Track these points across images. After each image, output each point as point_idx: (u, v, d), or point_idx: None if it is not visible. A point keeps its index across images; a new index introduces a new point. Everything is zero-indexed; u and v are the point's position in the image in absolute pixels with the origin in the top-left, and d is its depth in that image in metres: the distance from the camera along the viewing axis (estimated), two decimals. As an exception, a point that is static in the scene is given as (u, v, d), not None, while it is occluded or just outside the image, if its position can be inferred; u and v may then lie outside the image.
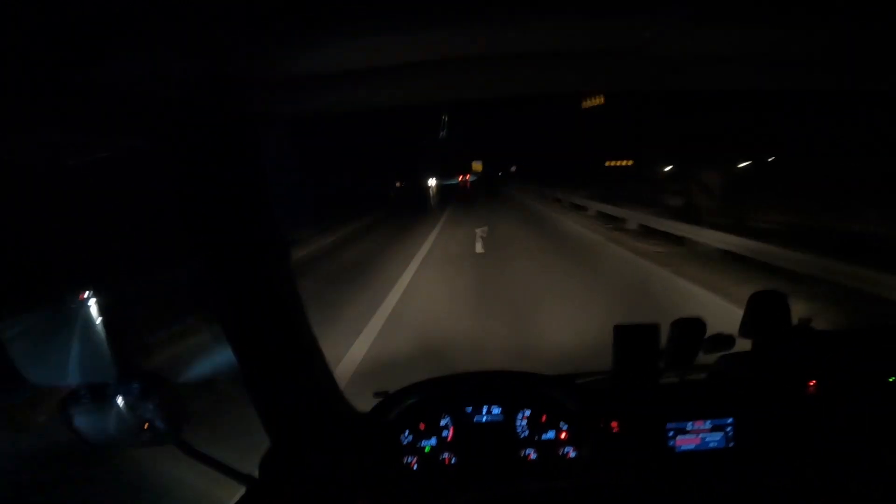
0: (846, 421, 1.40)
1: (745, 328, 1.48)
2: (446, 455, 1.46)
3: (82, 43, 0.76)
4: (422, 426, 1.47)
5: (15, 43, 0.72)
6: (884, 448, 1.38)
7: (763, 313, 1.48)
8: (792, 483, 1.31)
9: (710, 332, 1.43)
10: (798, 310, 1.47)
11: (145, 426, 1.00)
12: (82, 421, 1.00)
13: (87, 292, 0.93)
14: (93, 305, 0.93)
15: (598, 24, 0.89)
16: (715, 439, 1.42)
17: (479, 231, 13.58)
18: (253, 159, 1.28)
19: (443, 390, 1.53)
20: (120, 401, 0.98)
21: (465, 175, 72.20)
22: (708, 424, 1.42)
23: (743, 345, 1.51)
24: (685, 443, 1.42)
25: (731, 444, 1.42)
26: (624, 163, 35.94)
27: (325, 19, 0.79)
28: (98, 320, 0.93)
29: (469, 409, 1.49)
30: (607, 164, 38.15)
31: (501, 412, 1.48)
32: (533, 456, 1.45)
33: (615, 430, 1.41)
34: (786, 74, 1.27)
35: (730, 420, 1.42)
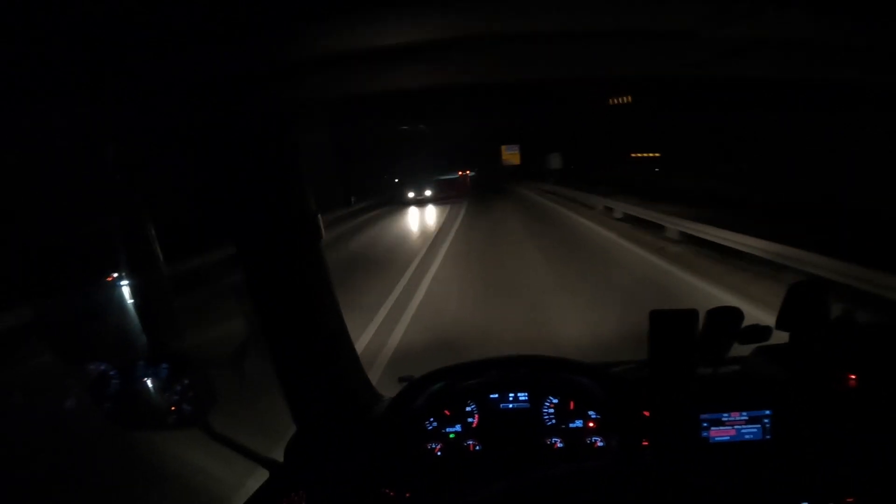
0: (887, 416, 1.34)
1: (783, 320, 1.43)
2: (471, 442, 1.45)
3: (109, 38, 0.75)
4: (447, 412, 1.46)
5: (50, 39, 0.71)
6: None
7: (801, 305, 1.42)
8: (829, 478, 1.27)
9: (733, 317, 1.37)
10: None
11: (172, 409, 1.00)
12: (111, 402, 1.00)
13: (115, 273, 0.93)
14: (125, 287, 0.92)
15: (648, 1, 0.84)
16: (751, 431, 1.38)
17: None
18: (285, 145, 1.27)
19: (468, 376, 1.51)
20: (148, 382, 0.98)
21: (464, 171, 66.82)
22: (744, 416, 1.37)
23: (779, 336, 1.45)
24: (720, 434, 1.38)
25: (768, 437, 1.37)
26: (651, 154, 35.74)
27: None
28: (130, 302, 0.93)
29: (495, 395, 1.47)
30: (633, 154, 37.87)
31: (528, 399, 1.47)
32: (559, 444, 1.43)
33: (647, 419, 1.37)
34: (850, 66, 1.19)
35: (767, 412, 1.37)
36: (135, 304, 0.92)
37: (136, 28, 0.75)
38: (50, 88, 0.83)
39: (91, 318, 0.95)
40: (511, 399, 1.47)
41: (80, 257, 0.94)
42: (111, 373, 0.98)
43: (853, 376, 1.38)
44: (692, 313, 1.37)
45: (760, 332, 1.40)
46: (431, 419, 1.46)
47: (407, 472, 1.38)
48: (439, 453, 1.44)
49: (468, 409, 1.47)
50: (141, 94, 0.96)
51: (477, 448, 1.44)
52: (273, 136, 1.26)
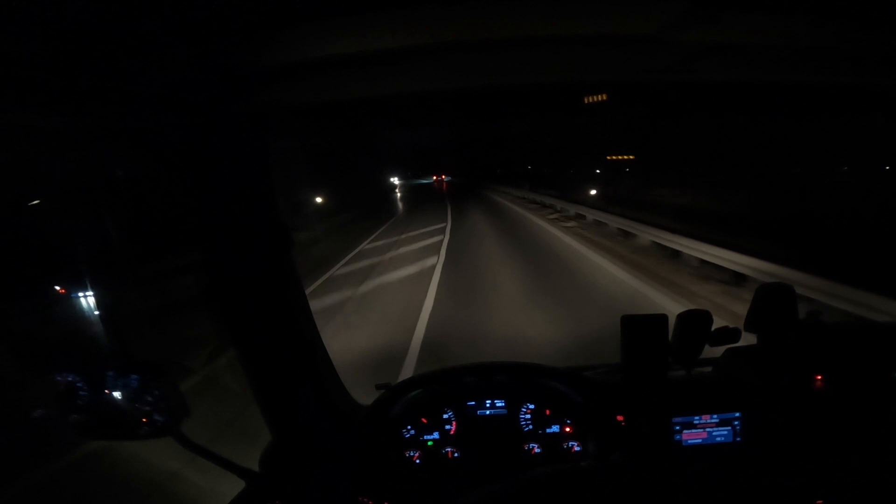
0: (852, 415, 1.38)
1: (751, 322, 1.46)
2: (449, 449, 1.44)
3: (85, 44, 0.74)
4: (424, 420, 1.46)
5: (23, 45, 0.70)
6: (889, 442, 1.36)
7: (769, 307, 1.45)
8: (798, 478, 1.30)
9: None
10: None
11: (144, 419, 0.99)
12: (80, 414, 0.98)
13: (67, 285, 0.91)
14: (89, 298, 0.91)
15: (612, 7, 0.86)
16: (722, 434, 1.40)
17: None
18: (257, 152, 1.26)
19: (445, 383, 1.51)
20: (118, 394, 0.97)
21: (439, 175, 66.89)
22: (715, 419, 1.40)
23: (749, 338, 1.48)
24: (692, 437, 1.40)
25: (738, 439, 1.40)
26: (626, 157, 36.44)
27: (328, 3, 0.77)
28: (95, 313, 0.91)
29: (472, 402, 1.47)
30: (609, 157, 38.47)
31: (505, 405, 1.47)
32: (537, 450, 1.44)
33: (622, 424, 1.39)
34: (810, 67, 1.22)
35: (737, 414, 1.40)
36: (100, 315, 0.91)
37: (114, 31, 0.74)
38: (24, 90, 0.81)
39: (59, 327, 0.93)
40: (488, 406, 1.47)
41: (45, 267, 0.92)
42: (78, 384, 0.96)
43: (819, 377, 1.41)
44: (662, 318, 1.40)
45: (730, 333, 1.43)
46: (409, 427, 1.45)
47: (385, 480, 1.38)
48: (418, 461, 1.44)
49: (446, 416, 1.46)
50: (117, 96, 0.95)
51: (455, 455, 1.44)
52: (247, 143, 1.25)
